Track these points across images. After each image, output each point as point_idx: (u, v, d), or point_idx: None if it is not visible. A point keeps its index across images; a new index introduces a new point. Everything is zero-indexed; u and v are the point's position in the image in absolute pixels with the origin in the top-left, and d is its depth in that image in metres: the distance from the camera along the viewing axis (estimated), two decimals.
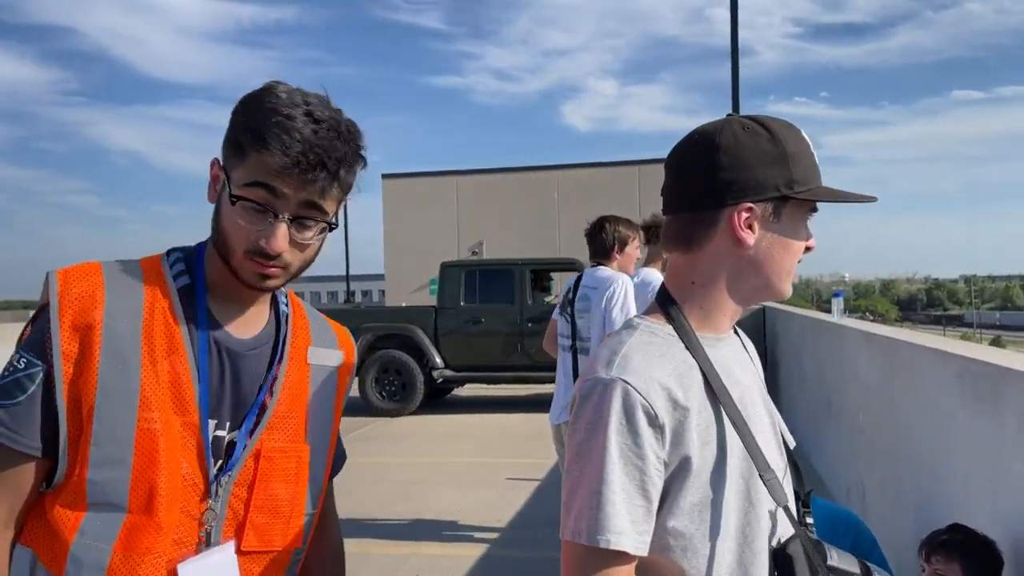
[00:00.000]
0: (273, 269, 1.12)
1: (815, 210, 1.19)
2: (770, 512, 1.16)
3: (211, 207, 1.17)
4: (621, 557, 1.05)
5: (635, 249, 4.17)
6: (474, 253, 24.61)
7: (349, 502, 6.16)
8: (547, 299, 10.74)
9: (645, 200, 24.09)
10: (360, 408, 10.53)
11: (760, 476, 1.11)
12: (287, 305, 1.27)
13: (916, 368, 3.61)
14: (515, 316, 10.27)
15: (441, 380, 10.50)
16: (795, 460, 1.28)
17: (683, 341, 1.15)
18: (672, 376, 1.10)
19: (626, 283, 4.02)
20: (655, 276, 4.33)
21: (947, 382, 3.12)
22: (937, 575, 2.40)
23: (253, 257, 1.11)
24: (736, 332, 1.28)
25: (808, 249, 1.20)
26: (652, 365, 1.10)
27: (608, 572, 1.06)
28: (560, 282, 11.73)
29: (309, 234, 1.14)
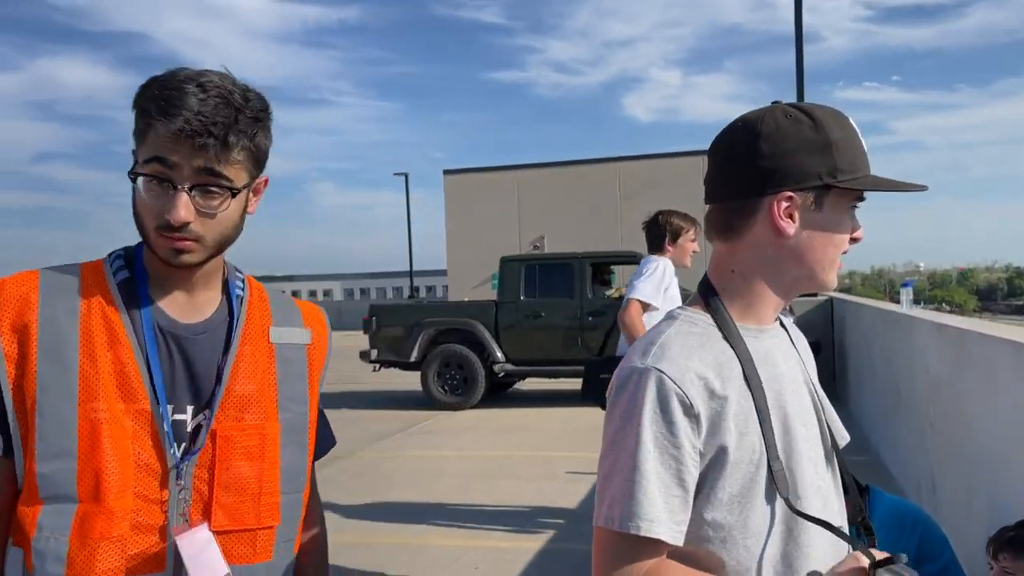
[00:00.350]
0: (185, 243, 1.13)
1: (861, 199, 1.15)
2: (819, 507, 1.13)
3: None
4: (654, 545, 1.05)
5: (689, 241, 4.17)
6: (535, 247, 24.62)
7: (410, 494, 6.24)
8: (607, 293, 10.68)
9: None
10: (422, 402, 10.65)
11: (768, 465, 1.09)
12: (243, 289, 1.29)
13: (989, 360, 3.47)
14: (575, 310, 10.24)
15: (502, 374, 10.55)
16: (841, 456, 1.24)
17: (722, 331, 1.14)
18: (710, 366, 1.10)
19: (663, 265, 4.09)
20: (655, 258, 4.33)
21: (1022, 375, 2.99)
22: (1005, 573, 2.31)
23: (163, 232, 1.13)
24: (782, 324, 1.26)
25: (855, 240, 1.17)
26: (689, 355, 1.10)
27: (639, 560, 1.05)
28: (622, 275, 11.66)
29: (215, 203, 1.14)
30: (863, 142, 1.15)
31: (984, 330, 3.77)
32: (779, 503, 1.10)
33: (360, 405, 11.23)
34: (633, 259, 10.32)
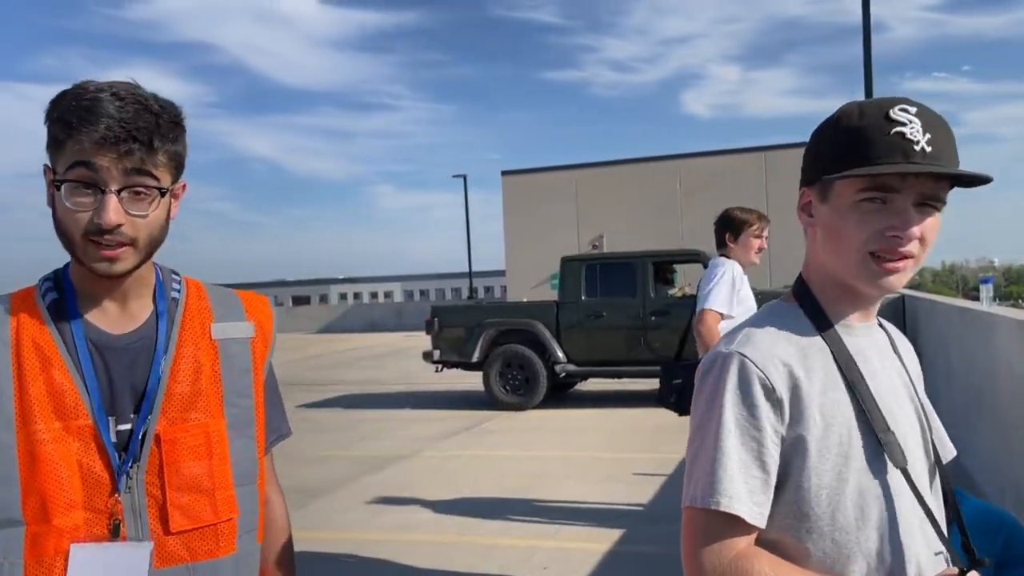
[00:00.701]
0: (118, 250, 1.14)
1: (882, 190, 1.06)
2: (914, 501, 1.10)
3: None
4: (737, 523, 1.06)
5: (752, 236, 4.02)
6: (594, 247, 24.50)
7: (476, 493, 6.26)
8: (670, 292, 10.56)
9: (773, 187, 23.29)
10: (484, 402, 10.69)
11: (877, 436, 1.08)
12: (179, 291, 1.29)
13: None
14: (638, 309, 10.15)
15: (564, 374, 10.52)
16: (944, 471, 1.20)
17: (813, 322, 1.15)
18: (794, 354, 1.11)
19: (729, 268, 3.98)
20: (721, 260, 4.16)
21: None
22: None
23: (92, 238, 1.13)
24: (883, 326, 1.24)
25: (889, 236, 1.07)
26: (774, 342, 1.12)
27: (724, 537, 1.06)
28: (684, 274, 11.51)
29: (144, 204, 1.15)
30: (898, 128, 1.06)
31: None
32: (872, 497, 1.08)
33: (423, 405, 11.34)
34: (696, 258, 10.19)
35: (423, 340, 11.46)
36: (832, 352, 1.12)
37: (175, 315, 1.26)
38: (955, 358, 6.78)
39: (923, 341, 9.08)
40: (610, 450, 7.84)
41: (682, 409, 4.01)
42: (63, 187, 1.12)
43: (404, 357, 18.45)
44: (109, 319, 1.21)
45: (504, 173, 27.85)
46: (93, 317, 1.20)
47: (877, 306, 1.20)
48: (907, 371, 1.23)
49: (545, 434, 8.85)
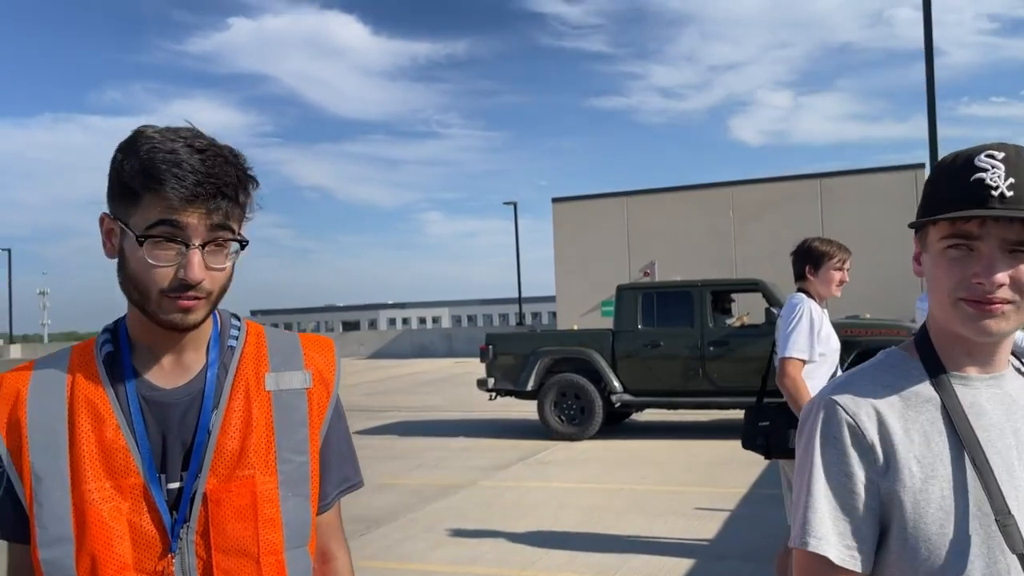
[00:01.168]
0: (194, 301, 1.13)
1: (955, 236, 1.07)
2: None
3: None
4: (831, 565, 1.08)
5: (833, 270, 3.87)
6: (645, 274, 24.35)
7: (537, 525, 6.22)
8: (728, 321, 10.42)
9: (828, 216, 22.90)
10: (539, 432, 10.64)
11: (995, 519, 1.04)
12: (237, 338, 1.25)
13: None
14: (695, 339, 10.02)
15: (619, 404, 10.42)
16: None
17: (927, 371, 1.14)
18: (894, 403, 1.12)
19: (807, 308, 3.79)
20: (798, 298, 3.95)
21: None
22: None
23: (170, 294, 1.11)
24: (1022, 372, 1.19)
25: (974, 282, 1.06)
26: (873, 391, 1.13)
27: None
28: (742, 304, 11.35)
29: (222, 257, 1.14)
30: (977, 175, 1.06)
31: None
32: (977, 557, 1.05)
33: (478, 433, 11.33)
34: (755, 287, 10.05)
35: (474, 366, 11.47)
36: (943, 403, 1.10)
37: (230, 365, 1.22)
38: None
39: None
40: (669, 483, 7.73)
41: (770, 452, 3.86)
42: (146, 242, 1.10)
43: (456, 383, 18.49)
44: (163, 372, 1.19)
45: (555, 200, 27.89)
46: (147, 371, 1.19)
47: (1003, 356, 1.16)
48: None
49: (602, 465, 8.76)
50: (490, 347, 11.09)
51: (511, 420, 12.22)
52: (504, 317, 72.11)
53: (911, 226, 1.15)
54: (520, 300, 37.86)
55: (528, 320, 51.81)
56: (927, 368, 1.14)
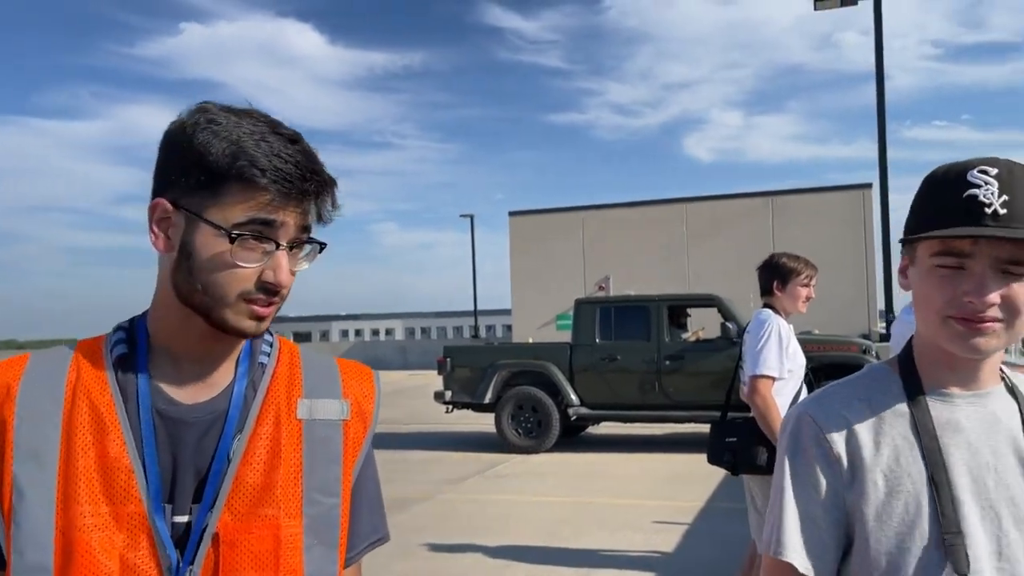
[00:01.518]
0: (269, 308, 1.00)
1: (946, 254, 1.06)
2: None
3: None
4: (796, 573, 1.11)
5: (800, 286, 3.93)
6: (600, 288, 24.54)
7: (495, 540, 6.18)
8: (684, 336, 10.54)
9: (779, 233, 23.37)
10: (496, 445, 10.61)
11: (944, 538, 1.05)
12: (269, 355, 1.08)
13: None
14: (652, 354, 10.12)
15: (576, 417, 10.45)
16: None
17: (905, 388, 1.14)
18: (866, 417, 1.13)
19: (775, 325, 3.83)
20: (766, 314, 3.96)
21: None
22: None
23: (251, 297, 0.98)
24: (1014, 393, 1.17)
25: (964, 301, 1.06)
26: (847, 403, 1.15)
27: None
28: (697, 319, 11.49)
29: (300, 259, 1.03)
30: (970, 190, 1.05)
31: None
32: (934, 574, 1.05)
33: (434, 446, 11.25)
34: (711, 303, 10.19)
35: (430, 379, 11.42)
36: (915, 424, 1.10)
37: (259, 385, 1.05)
38: None
39: None
40: (627, 496, 7.76)
41: (736, 468, 3.86)
42: (237, 240, 0.96)
43: (412, 396, 18.36)
44: (184, 385, 1.02)
45: (512, 213, 28.00)
46: (165, 381, 1.02)
47: (989, 373, 1.15)
48: None
49: (560, 479, 8.76)
50: (448, 359, 11.05)
51: (468, 433, 12.17)
52: (459, 330, 71.91)
53: (901, 241, 1.15)
54: (476, 313, 37.83)
55: (483, 333, 51.80)
56: (905, 384, 1.15)
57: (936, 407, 1.12)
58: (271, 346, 1.09)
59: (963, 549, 1.06)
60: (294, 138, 0.99)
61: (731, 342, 9.32)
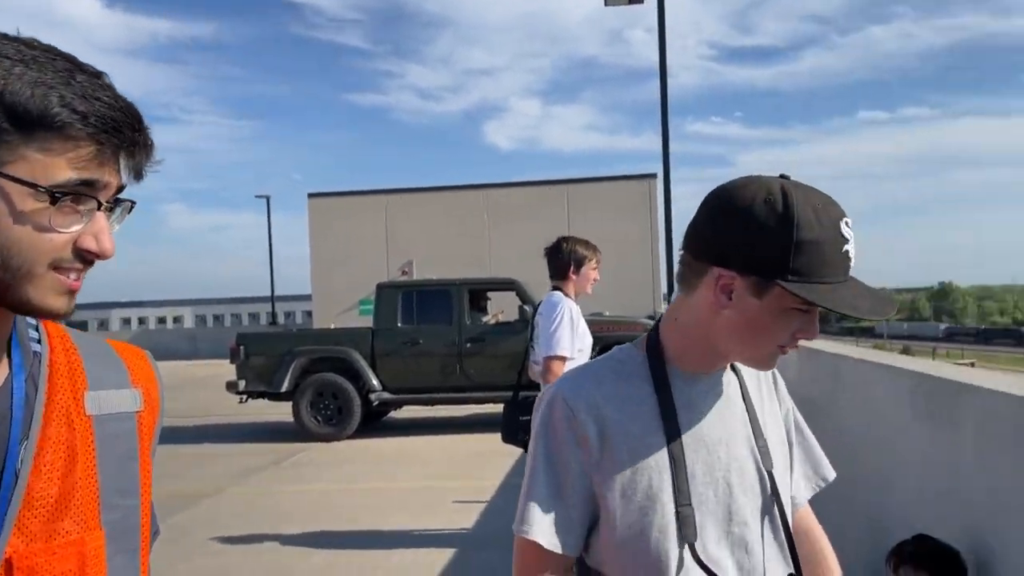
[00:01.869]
0: (81, 280, 0.83)
1: (814, 305, 1.10)
2: (734, 561, 1.18)
3: None
4: (541, 551, 1.17)
5: (592, 270, 4.16)
6: (403, 273, 24.42)
7: (293, 530, 5.99)
8: (484, 319, 10.74)
9: (574, 220, 24.39)
10: (294, 433, 10.28)
11: (677, 509, 1.15)
12: (39, 341, 0.90)
13: (864, 384, 3.74)
14: (453, 337, 10.22)
15: (378, 403, 10.35)
16: (782, 508, 1.25)
17: (651, 372, 1.21)
18: (615, 397, 1.19)
19: (567, 307, 4.03)
20: (558, 297, 4.14)
21: (899, 397, 3.24)
22: None
23: (65, 266, 0.81)
24: (735, 370, 1.29)
25: (798, 338, 1.15)
26: (598, 384, 1.20)
27: (536, 563, 1.20)
28: (496, 302, 11.75)
29: (113, 220, 0.86)
30: (847, 247, 1.11)
31: (858, 355, 4.06)
32: (673, 550, 1.15)
33: (226, 438, 10.70)
34: (510, 286, 10.44)
35: (223, 368, 10.83)
36: (659, 404, 1.19)
37: (39, 379, 0.87)
38: None
39: None
40: (428, 479, 7.80)
41: (529, 446, 4.00)
42: (58, 201, 0.78)
43: (201, 387, 17.34)
44: None
45: (311, 195, 27.13)
46: None
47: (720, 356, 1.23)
48: (753, 411, 1.27)
49: (361, 465, 8.64)
50: (241, 347, 10.54)
51: (264, 423, 11.70)
52: (255, 316, 68.89)
53: (772, 283, 1.10)
54: (273, 298, 36.36)
55: (281, 319, 49.96)
56: (651, 365, 1.22)
57: (680, 387, 1.21)
58: (37, 330, 0.90)
59: (692, 519, 1.16)
60: (97, 72, 0.81)
61: (528, 324, 9.61)
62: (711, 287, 1.14)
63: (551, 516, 1.17)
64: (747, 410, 1.27)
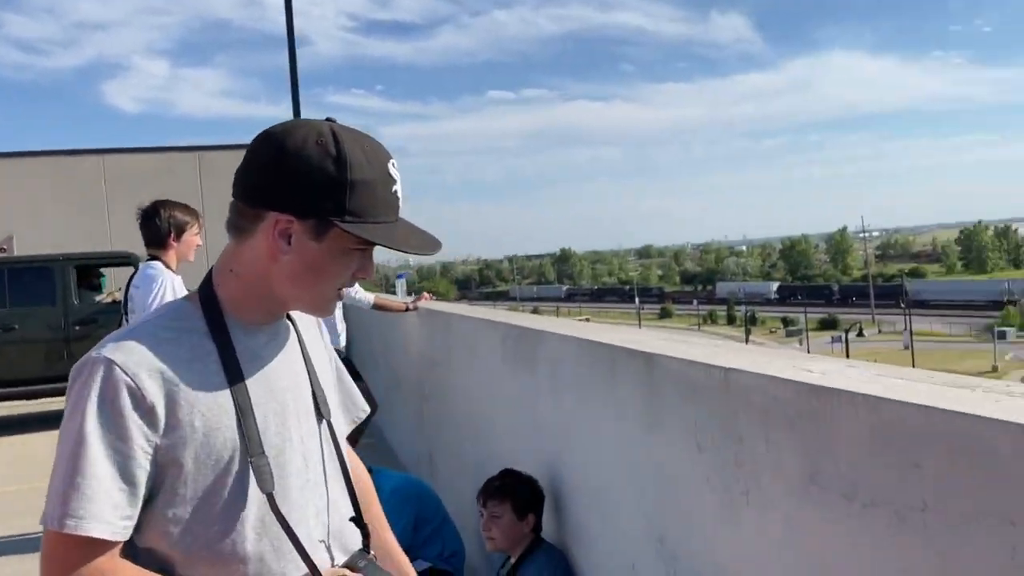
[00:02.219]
0: None
1: (369, 244, 1.14)
2: (308, 505, 1.19)
3: None
4: (95, 544, 1.04)
5: (194, 236, 3.89)
6: (2, 249, 21.16)
7: None
8: (98, 298, 9.66)
9: (208, 189, 22.94)
10: None
11: (249, 460, 1.13)
12: None
13: (471, 337, 4.00)
14: (58, 319, 9.07)
15: None
16: (339, 447, 1.30)
17: (209, 326, 1.15)
18: (178, 359, 1.10)
19: (168, 279, 3.76)
20: (156, 269, 3.87)
21: (492, 345, 3.51)
22: (493, 517, 2.71)
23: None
24: (290, 318, 1.28)
25: (358, 278, 1.20)
26: (156, 346, 1.10)
27: (82, 559, 1.03)
28: (114, 278, 10.64)
29: None
30: (396, 188, 1.15)
31: (465, 312, 4.33)
32: (252, 500, 1.13)
33: None
34: (127, 261, 9.49)
35: None
36: (222, 359, 1.14)
37: None
38: (377, 345, 7.59)
39: (352, 331, 9.94)
40: (19, 482, 6.84)
41: None
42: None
43: None
44: None
45: None
46: None
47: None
48: (311, 356, 1.29)
49: None
50: None
51: None
52: None
53: (329, 224, 1.10)
54: None
55: None
56: (209, 321, 1.16)
57: (242, 339, 1.16)
58: None
59: (268, 468, 1.12)
60: None
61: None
62: (268, 233, 1.12)
63: (110, 501, 1.03)
64: (305, 359, 1.27)
